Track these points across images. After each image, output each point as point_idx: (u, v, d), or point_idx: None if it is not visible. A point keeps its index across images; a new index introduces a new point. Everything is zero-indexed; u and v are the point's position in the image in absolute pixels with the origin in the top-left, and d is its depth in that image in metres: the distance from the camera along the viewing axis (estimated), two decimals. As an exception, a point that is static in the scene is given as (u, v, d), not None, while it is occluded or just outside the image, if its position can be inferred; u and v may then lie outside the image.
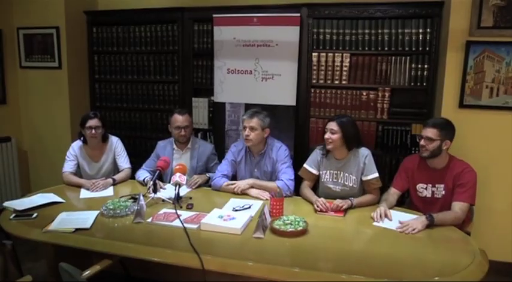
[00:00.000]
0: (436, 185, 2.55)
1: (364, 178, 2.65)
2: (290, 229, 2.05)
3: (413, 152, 3.33)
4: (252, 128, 2.82)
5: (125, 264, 2.08)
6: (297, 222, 2.09)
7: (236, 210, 2.36)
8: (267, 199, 2.54)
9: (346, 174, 2.71)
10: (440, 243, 2.04)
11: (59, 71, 3.99)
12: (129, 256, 1.94)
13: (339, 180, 2.74)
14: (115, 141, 3.20)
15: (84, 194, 2.71)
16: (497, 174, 2.98)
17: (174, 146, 3.15)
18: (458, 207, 2.35)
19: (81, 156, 3.09)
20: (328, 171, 2.77)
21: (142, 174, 3.02)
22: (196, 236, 2.03)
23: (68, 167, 3.02)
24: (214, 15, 3.60)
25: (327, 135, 2.66)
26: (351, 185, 2.70)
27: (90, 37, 4.08)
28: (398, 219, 2.28)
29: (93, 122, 2.99)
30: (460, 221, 2.33)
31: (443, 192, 2.53)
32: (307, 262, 1.84)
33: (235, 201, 2.53)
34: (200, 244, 1.92)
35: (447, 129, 2.47)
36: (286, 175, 2.79)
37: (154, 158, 3.14)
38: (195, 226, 2.12)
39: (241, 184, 2.75)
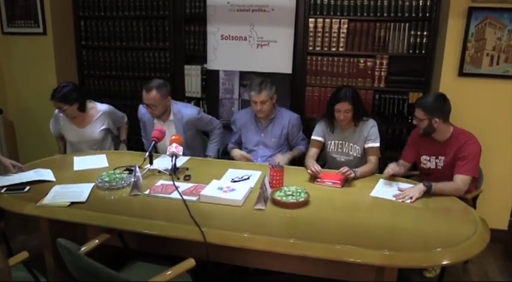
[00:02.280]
0: (439, 157, 2.54)
1: (366, 145, 2.69)
2: (292, 200, 2.02)
3: (410, 121, 3.30)
4: (262, 102, 2.84)
5: (123, 237, 2.04)
6: (298, 193, 2.07)
7: (235, 181, 2.32)
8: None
9: (351, 144, 2.74)
10: (441, 214, 2.04)
11: (43, 37, 3.80)
12: (128, 230, 1.90)
13: (344, 150, 2.78)
14: (105, 112, 3.04)
15: (78, 165, 2.63)
16: (497, 143, 2.97)
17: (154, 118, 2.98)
18: (460, 179, 2.34)
19: (63, 121, 3.02)
20: (333, 142, 2.79)
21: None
22: (196, 208, 1.99)
23: (52, 129, 3.10)
24: (206, -22, 3.44)
25: (342, 117, 2.63)
26: (355, 154, 2.74)
27: (75, 1, 3.88)
28: (396, 189, 2.27)
29: (57, 105, 2.85)
30: (461, 193, 2.32)
31: (442, 164, 2.53)
32: (309, 234, 1.82)
33: (233, 172, 2.49)
34: (200, 216, 1.89)
35: (433, 108, 2.43)
36: (304, 141, 3.05)
37: (143, 127, 3.12)
38: (194, 198, 2.08)
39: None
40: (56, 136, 3.20)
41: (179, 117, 2.92)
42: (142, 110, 3.02)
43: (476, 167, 2.42)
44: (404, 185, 2.32)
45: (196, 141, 3.14)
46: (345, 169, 2.39)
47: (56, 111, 2.99)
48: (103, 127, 3.05)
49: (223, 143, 3.28)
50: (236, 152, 3.00)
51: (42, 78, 3.89)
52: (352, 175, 2.40)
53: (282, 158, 2.83)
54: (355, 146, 2.73)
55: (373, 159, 2.64)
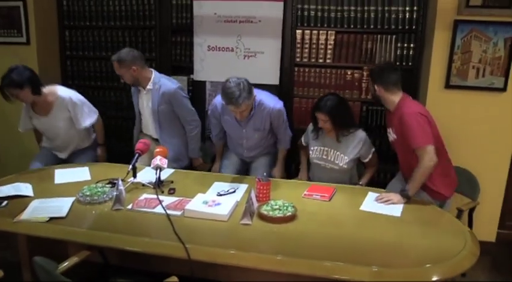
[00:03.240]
0: (389, 129, 2.61)
1: (364, 160, 2.75)
2: (279, 215, 1.97)
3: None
4: (242, 111, 2.61)
5: (104, 253, 1.97)
6: (285, 207, 2.02)
7: (221, 195, 2.27)
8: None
9: (337, 152, 2.69)
10: (430, 228, 2.01)
11: (27, 47, 3.73)
12: (110, 246, 1.83)
13: (329, 158, 2.72)
14: (65, 99, 2.89)
15: (59, 178, 2.55)
16: (483, 156, 2.97)
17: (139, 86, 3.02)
18: (419, 154, 2.32)
19: (27, 109, 2.95)
20: (317, 148, 2.75)
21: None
22: (180, 223, 1.93)
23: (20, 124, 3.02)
24: (193, -11, 3.41)
25: (321, 125, 2.63)
26: (341, 164, 2.69)
27: (60, 10, 3.83)
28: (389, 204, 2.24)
29: (9, 91, 2.73)
30: (431, 163, 2.28)
31: (394, 135, 2.54)
32: (297, 249, 1.77)
33: (219, 185, 2.44)
34: (185, 232, 1.83)
35: (375, 75, 2.54)
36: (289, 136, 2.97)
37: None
38: (178, 213, 2.02)
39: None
40: (25, 132, 3.09)
41: (157, 87, 2.92)
42: (133, 88, 3.12)
43: (424, 135, 2.31)
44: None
45: (172, 127, 3.04)
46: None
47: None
48: (65, 116, 2.92)
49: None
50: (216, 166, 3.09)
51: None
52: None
53: (278, 171, 2.92)
54: (341, 155, 2.68)
55: (374, 164, 2.79)
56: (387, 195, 2.29)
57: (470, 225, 2.66)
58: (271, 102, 2.78)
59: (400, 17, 3.17)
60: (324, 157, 2.73)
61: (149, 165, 2.48)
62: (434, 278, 1.64)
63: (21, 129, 3.07)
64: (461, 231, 1.93)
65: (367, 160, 2.74)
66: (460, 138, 2.92)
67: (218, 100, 2.83)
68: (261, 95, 2.77)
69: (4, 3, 3.65)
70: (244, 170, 3.04)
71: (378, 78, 2.50)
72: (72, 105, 2.93)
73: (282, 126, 2.88)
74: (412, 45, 3.19)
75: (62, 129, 2.96)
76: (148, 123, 3.10)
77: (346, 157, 2.67)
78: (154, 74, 2.98)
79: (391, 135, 2.60)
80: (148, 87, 2.95)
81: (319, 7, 3.29)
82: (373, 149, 2.75)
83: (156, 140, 3.07)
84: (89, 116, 3.03)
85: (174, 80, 3.08)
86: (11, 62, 3.74)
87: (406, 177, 2.50)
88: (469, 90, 2.96)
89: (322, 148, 2.73)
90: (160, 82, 2.94)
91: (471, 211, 2.64)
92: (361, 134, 2.69)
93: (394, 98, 2.50)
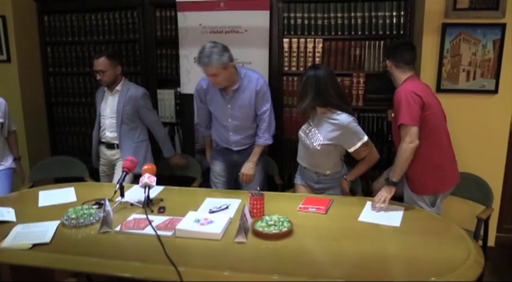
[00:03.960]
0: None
1: (350, 150, 2.45)
2: (274, 231, 1.89)
3: (389, 139, 3.25)
4: (214, 75, 2.52)
5: (91, 279, 1.87)
6: (280, 223, 1.94)
7: (213, 212, 2.18)
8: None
9: (317, 132, 2.50)
10: (432, 238, 1.94)
11: (7, 65, 3.63)
12: (97, 273, 1.73)
13: (309, 134, 2.54)
14: (2, 101, 2.97)
15: (43, 201, 2.44)
16: (476, 159, 2.94)
17: (105, 89, 3.09)
18: (401, 133, 2.29)
19: None
20: (308, 122, 2.60)
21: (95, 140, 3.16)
22: (172, 244, 1.84)
23: None
24: (177, 0, 3.35)
25: None
26: (314, 144, 2.47)
27: (41, 27, 3.74)
28: (384, 212, 2.18)
29: None
30: (412, 145, 2.25)
31: (393, 114, 2.45)
32: (295, 267, 1.69)
33: (211, 201, 2.35)
34: (177, 254, 1.74)
35: (389, 50, 2.55)
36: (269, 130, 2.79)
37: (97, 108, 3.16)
38: (169, 233, 1.93)
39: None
40: None
41: (125, 89, 3.03)
42: (98, 90, 3.17)
43: (409, 113, 2.25)
44: (394, 208, 2.22)
45: (132, 132, 3.07)
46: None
47: None
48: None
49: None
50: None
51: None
52: (347, 188, 2.42)
53: (248, 168, 2.73)
54: (318, 135, 2.47)
55: (366, 157, 2.48)
56: (378, 195, 2.26)
57: (486, 232, 2.63)
58: (257, 74, 2.76)
59: (388, 22, 3.15)
60: (307, 132, 2.56)
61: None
62: (440, 292, 1.57)
63: None
64: (463, 239, 1.87)
65: (351, 151, 2.43)
66: (455, 143, 2.87)
67: (203, 79, 2.80)
68: (246, 69, 2.78)
69: (-18, 21, 3.55)
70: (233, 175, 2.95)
71: (391, 54, 2.48)
72: (6, 107, 3.00)
73: (265, 107, 2.74)
74: (400, 50, 3.16)
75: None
76: (107, 127, 3.09)
77: (321, 138, 2.45)
78: (123, 78, 3.10)
79: (391, 115, 2.62)
80: (117, 88, 3.04)
81: (306, 15, 3.26)
82: (363, 141, 2.39)
83: (112, 146, 3.09)
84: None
85: (143, 88, 3.17)
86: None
87: None
88: (461, 94, 2.93)
89: (310, 123, 2.58)
90: (129, 86, 3.08)
91: (486, 219, 2.56)
92: (342, 120, 2.40)
93: (402, 76, 2.45)
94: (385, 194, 2.25)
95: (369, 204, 2.29)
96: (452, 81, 2.92)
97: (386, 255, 1.78)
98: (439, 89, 2.93)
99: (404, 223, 2.05)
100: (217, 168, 2.94)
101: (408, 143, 2.25)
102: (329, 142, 2.44)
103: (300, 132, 2.64)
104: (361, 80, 3.28)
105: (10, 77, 3.64)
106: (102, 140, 3.14)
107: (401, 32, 3.14)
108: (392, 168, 2.33)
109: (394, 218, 2.10)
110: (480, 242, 2.53)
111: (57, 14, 3.70)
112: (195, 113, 3.48)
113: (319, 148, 2.46)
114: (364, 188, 3.06)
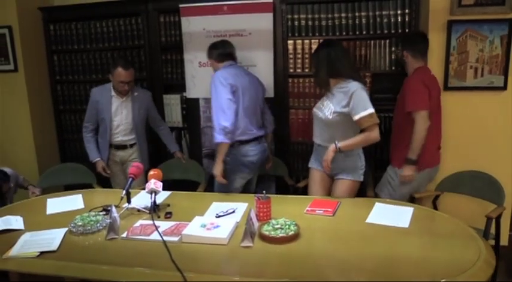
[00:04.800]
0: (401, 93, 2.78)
1: (354, 118, 2.39)
2: (281, 234, 1.87)
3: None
4: None
5: (100, 286, 1.87)
6: (287, 226, 1.92)
7: (219, 216, 2.17)
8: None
9: (329, 102, 2.51)
10: (442, 238, 1.90)
11: (15, 74, 3.67)
12: (103, 280, 1.73)
13: (322, 107, 2.55)
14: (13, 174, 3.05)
15: (51, 208, 2.45)
16: (486, 156, 2.89)
17: (113, 93, 3.14)
18: (414, 117, 2.59)
19: None
20: (321, 99, 2.62)
21: (90, 147, 3.24)
22: (178, 250, 1.83)
23: None
24: (180, 6, 3.37)
25: None
26: (327, 114, 2.48)
27: (47, 35, 3.78)
28: (392, 213, 2.15)
29: None
30: (425, 126, 2.55)
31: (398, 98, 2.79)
32: (302, 271, 1.67)
33: (217, 206, 2.34)
34: (183, 259, 1.73)
35: (406, 40, 2.76)
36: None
37: (92, 109, 3.20)
38: (175, 238, 1.92)
39: None
40: None
41: (135, 93, 3.18)
42: (97, 92, 3.20)
43: (421, 99, 2.58)
44: (400, 210, 2.19)
45: (143, 132, 3.30)
46: (324, 163, 2.46)
47: None
48: None
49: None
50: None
51: (16, 116, 3.75)
52: (330, 156, 2.43)
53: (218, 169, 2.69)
54: (329, 104, 2.49)
55: (368, 129, 2.40)
56: (403, 177, 2.67)
57: (498, 231, 2.60)
58: None
59: (393, 21, 3.12)
60: (320, 106, 2.57)
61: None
62: (451, 294, 1.54)
63: None
64: (474, 240, 1.83)
65: (356, 119, 2.37)
66: (462, 140, 2.85)
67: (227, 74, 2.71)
68: None
69: (-11, 31, 3.60)
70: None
71: (409, 45, 2.72)
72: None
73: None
74: (406, 48, 3.13)
75: None
76: (121, 131, 3.20)
77: (332, 107, 2.46)
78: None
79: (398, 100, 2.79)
80: (128, 94, 3.15)
81: (310, 16, 3.24)
82: (368, 112, 2.35)
83: (125, 146, 3.23)
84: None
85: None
86: (3, 91, 3.71)
87: (395, 142, 2.86)
88: (469, 91, 2.90)
89: (323, 97, 2.59)
90: (137, 89, 3.25)
91: (498, 217, 2.54)
92: (352, 86, 2.41)
93: (416, 65, 2.71)
94: (410, 172, 2.61)
95: (377, 205, 2.26)
96: (459, 79, 2.88)
97: (395, 257, 1.75)
98: (446, 87, 2.90)
99: (412, 224, 2.02)
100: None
101: (422, 125, 2.56)
102: (340, 110, 2.44)
103: (314, 109, 2.65)
104: (367, 80, 3.25)
105: (18, 86, 3.68)
106: (113, 143, 3.21)
107: (407, 30, 3.10)
108: (411, 149, 2.60)
109: (402, 218, 2.07)
110: (493, 242, 2.49)
111: (62, 23, 3.74)
112: (201, 116, 3.49)
113: (331, 117, 2.47)
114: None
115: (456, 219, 2.06)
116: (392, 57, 3.18)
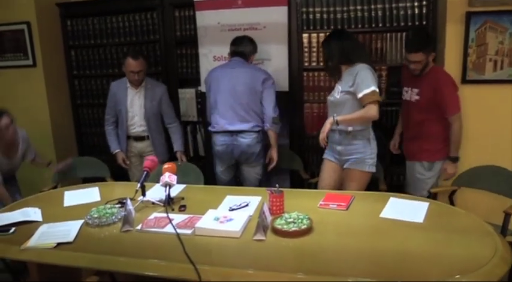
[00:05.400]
0: (413, 89, 2.76)
1: (358, 96, 2.48)
2: (293, 228, 1.87)
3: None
4: None
5: (114, 276, 1.90)
6: (300, 220, 1.91)
7: (233, 210, 2.18)
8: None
9: (339, 85, 2.64)
10: (457, 234, 1.87)
11: (33, 69, 3.74)
12: (118, 271, 1.76)
13: (333, 92, 2.69)
14: (23, 133, 3.13)
15: (68, 201, 2.50)
16: (505, 151, 2.83)
17: (128, 85, 3.25)
18: (452, 119, 2.66)
19: None
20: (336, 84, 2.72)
21: (111, 140, 3.32)
22: (191, 242, 1.84)
23: None
24: (195, 0, 3.36)
25: None
26: (337, 96, 2.62)
27: (64, 31, 3.84)
28: (407, 208, 2.12)
29: (5, 120, 2.85)
30: (461, 125, 2.66)
31: (417, 97, 2.73)
32: (314, 265, 1.67)
33: (231, 199, 2.35)
34: (196, 252, 1.74)
35: (429, 45, 2.65)
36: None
37: (111, 101, 3.31)
38: (189, 231, 1.93)
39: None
40: None
41: (149, 86, 3.25)
42: (115, 85, 3.31)
43: (458, 102, 2.69)
44: (412, 204, 2.17)
45: (157, 125, 3.34)
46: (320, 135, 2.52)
47: None
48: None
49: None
50: None
51: (35, 111, 3.82)
52: (327, 128, 2.50)
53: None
54: (339, 87, 2.61)
55: (367, 105, 2.46)
56: (446, 175, 2.77)
57: None
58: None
59: (409, 13, 3.07)
60: (332, 93, 2.69)
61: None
62: (465, 290, 1.51)
63: None
64: (490, 236, 1.79)
65: (359, 96, 2.47)
66: (480, 134, 2.79)
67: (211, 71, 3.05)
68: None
69: (9, 27, 3.66)
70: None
71: (433, 45, 2.75)
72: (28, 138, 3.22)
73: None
74: (423, 41, 3.07)
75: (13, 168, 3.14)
76: (136, 122, 3.29)
77: (340, 88, 2.59)
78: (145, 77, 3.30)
79: (413, 96, 2.76)
80: (142, 85, 3.23)
81: (325, 9, 3.22)
82: (371, 89, 2.43)
83: (142, 138, 3.31)
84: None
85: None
86: (22, 86, 3.79)
87: (410, 137, 2.90)
88: (488, 84, 2.83)
89: (335, 85, 2.69)
90: (151, 82, 3.31)
91: None
92: (358, 66, 2.51)
93: (431, 64, 2.75)
94: (454, 170, 2.70)
95: (392, 200, 2.23)
96: (478, 72, 2.82)
97: (408, 252, 1.73)
98: (464, 80, 2.84)
99: (427, 219, 1.99)
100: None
101: (460, 124, 2.67)
102: (347, 89, 2.53)
103: (327, 97, 2.73)
104: (383, 74, 3.21)
105: (36, 81, 3.75)
106: (130, 134, 3.29)
107: (424, 23, 3.05)
108: (454, 147, 2.71)
109: (417, 213, 2.04)
110: (511, 238, 2.44)
111: (79, 18, 3.79)
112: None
113: (338, 96, 2.59)
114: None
115: (472, 215, 2.03)
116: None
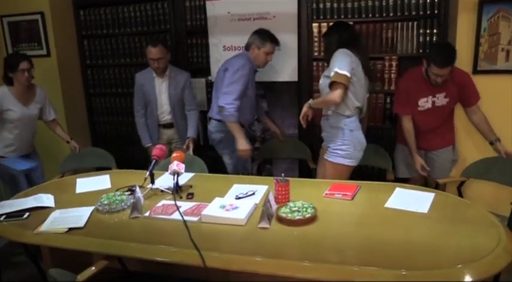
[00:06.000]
0: (437, 95, 2.68)
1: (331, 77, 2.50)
2: (298, 217, 1.89)
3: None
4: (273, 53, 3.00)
5: (122, 261, 1.95)
6: (304, 209, 1.94)
7: (239, 198, 2.21)
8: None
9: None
10: (461, 225, 1.88)
11: (48, 59, 3.81)
12: (126, 256, 1.81)
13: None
14: (43, 90, 3.23)
15: (80, 188, 2.56)
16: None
17: (154, 74, 3.33)
18: (477, 106, 2.72)
19: (7, 100, 2.99)
20: None
21: (143, 133, 3.43)
22: (197, 229, 1.88)
23: None
24: (205, -11, 3.37)
25: None
26: (320, 80, 2.70)
27: (77, 21, 3.89)
28: (412, 198, 2.13)
29: (26, 64, 2.93)
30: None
31: (447, 99, 2.69)
32: (317, 253, 1.69)
33: (238, 188, 2.38)
34: (202, 239, 1.78)
35: (455, 58, 2.55)
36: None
37: (139, 93, 3.39)
38: (195, 218, 1.98)
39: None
40: None
41: (173, 74, 3.34)
42: (140, 76, 3.38)
43: (476, 93, 2.72)
44: (418, 195, 2.17)
45: (181, 111, 3.42)
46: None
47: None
48: (40, 104, 3.23)
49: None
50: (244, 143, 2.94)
51: (49, 100, 3.88)
52: (304, 110, 2.63)
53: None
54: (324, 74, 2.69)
55: (331, 88, 2.47)
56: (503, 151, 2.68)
57: None
58: None
59: (421, 1, 3.04)
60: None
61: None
62: (467, 280, 1.52)
63: None
64: (494, 227, 1.79)
65: (330, 75, 2.47)
66: (493, 126, 2.75)
67: (248, 62, 2.95)
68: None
69: (23, 17, 3.73)
70: None
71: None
72: (46, 95, 3.29)
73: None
74: (435, 31, 3.05)
75: (30, 120, 3.17)
76: (165, 110, 3.38)
77: (323, 75, 2.69)
78: (169, 65, 3.37)
79: (439, 101, 2.70)
80: (166, 73, 3.31)
81: (335, -2, 3.19)
82: (335, 70, 2.42)
83: (171, 125, 3.43)
84: (54, 111, 3.40)
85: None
86: (37, 75, 3.82)
87: (435, 128, 2.83)
88: (500, 75, 2.80)
89: None
90: (175, 70, 3.37)
91: None
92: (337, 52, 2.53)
93: None
94: (502, 147, 2.67)
95: (397, 190, 2.24)
96: (490, 62, 2.78)
97: (412, 241, 1.74)
98: (475, 70, 2.81)
99: (432, 209, 1.99)
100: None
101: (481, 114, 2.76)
102: (326, 73, 2.60)
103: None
104: (394, 63, 3.19)
105: (50, 71, 3.81)
106: (161, 123, 3.40)
107: (436, 12, 3.01)
108: (491, 131, 2.71)
109: (422, 204, 2.04)
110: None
111: (92, 8, 3.84)
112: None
113: (321, 80, 2.66)
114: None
115: (478, 206, 2.02)
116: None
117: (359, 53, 2.54)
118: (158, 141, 3.40)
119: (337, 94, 2.41)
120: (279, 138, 3.38)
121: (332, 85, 2.44)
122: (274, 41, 2.98)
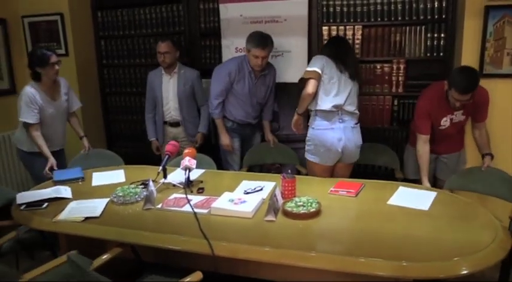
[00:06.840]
0: (455, 113, 2.67)
1: None
2: (303, 211, 1.98)
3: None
4: (264, 58, 2.99)
5: (136, 250, 2.06)
6: (309, 204, 2.03)
7: (247, 193, 2.30)
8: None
9: None
10: (459, 221, 1.95)
11: (66, 58, 3.92)
12: (139, 244, 1.92)
13: None
14: (64, 80, 3.19)
15: (96, 181, 2.68)
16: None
17: (163, 72, 3.42)
18: (483, 124, 2.71)
19: (40, 97, 2.95)
20: None
21: (148, 128, 3.54)
22: (207, 221, 1.98)
23: (33, 117, 2.88)
24: (219, -8, 3.48)
25: None
26: None
27: (95, 22, 4.02)
28: (415, 196, 2.20)
29: (55, 58, 2.94)
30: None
31: (463, 116, 2.69)
32: (321, 245, 1.79)
33: (247, 184, 2.47)
34: (210, 229, 1.88)
35: (477, 85, 2.48)
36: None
37: (150, 90, 3.50)
38: (205, 211, 2.08)
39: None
40: (36, 122, 2.93)
41: (182, 71, 3.42)
42: (152, 74, 3.50)
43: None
44: (422, 194, 2.24)
45: (190, 108, 3.49)
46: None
47: (31, 95, 2.89)
48: (65, 95, 3.18)
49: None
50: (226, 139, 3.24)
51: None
52: (294, 118, 2.81)
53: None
54: None
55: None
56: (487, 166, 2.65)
57: None
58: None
59: (429, 6, 3.10)
60: None
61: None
62: (463, 272, 1.59)
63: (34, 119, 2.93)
64: (492, 225, 1.86)
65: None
66: (497, 130, 2.80)
67: (232, 65, 3.14)
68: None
69: (43, 17, 3.87)
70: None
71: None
72: (67, 84, 3.23)
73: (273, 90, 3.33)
74: (442, 35, 3.11)
75: (63, 113, 3.19)
76: (172, 108, 3.45)
77: None
78: (178, 62, 3.45)
79: (457, 118, 2.69)
80: (174, 70, 3.40)
81: (345, 2, 3.27)
82: (306, 69, 2.71)
83: (178, 124, 3.49)
84: (77, 100, 3.36)
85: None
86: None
87: (449, 137, 2.81)
88: (505, 79, 2.84)
89: None
90: (184, 68, 3.45)
91: None
92: None
93: None
94: (489, 162, 2.64)
95: (401, 188, 2.32)
96: (495, 66, 2.83)
97: (411, 235, 1.82)
98: (481, 74, 2.84)
99: (433, 207, 2.07)
100: (236, 144, 3.32)
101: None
102: None
103: None
104: (402, 66, 3.25)
105: (69, 70, 3.94)
106: (166, 120, 3.49)
107: (443, 16, 3.08)
108: (489, 147, 2.71)
109: (424, 202, 2.12)
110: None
111: (109, 10, 3.96)
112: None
113: None
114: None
115: (477, 204, 2.09)
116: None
117: (343, 64, 2.70)
118: (164, 139, 3.49)
119: (309, 86, 2.64)
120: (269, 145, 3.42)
121: (305, 82, 2.67)
122: (260, 45, 2.94)
